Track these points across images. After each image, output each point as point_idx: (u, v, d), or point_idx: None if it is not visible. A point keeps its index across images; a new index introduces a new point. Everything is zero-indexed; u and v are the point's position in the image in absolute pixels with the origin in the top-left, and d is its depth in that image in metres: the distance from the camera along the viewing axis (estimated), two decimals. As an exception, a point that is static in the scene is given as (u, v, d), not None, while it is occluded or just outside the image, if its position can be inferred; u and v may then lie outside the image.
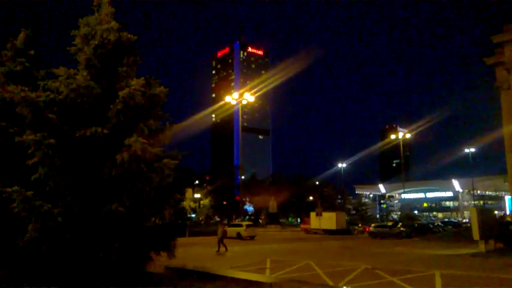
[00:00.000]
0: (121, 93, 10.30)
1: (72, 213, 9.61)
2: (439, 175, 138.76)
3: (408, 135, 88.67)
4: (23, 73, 12.54)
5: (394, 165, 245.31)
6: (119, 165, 9.86)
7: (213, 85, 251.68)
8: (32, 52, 13.30)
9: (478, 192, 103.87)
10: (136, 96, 10.37)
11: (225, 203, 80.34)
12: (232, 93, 62.89)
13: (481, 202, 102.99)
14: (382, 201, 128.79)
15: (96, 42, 11.07)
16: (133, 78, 10.79)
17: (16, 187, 8.85)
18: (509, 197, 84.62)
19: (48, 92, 10.46)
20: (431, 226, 50.92)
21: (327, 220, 50.10)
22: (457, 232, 41.27)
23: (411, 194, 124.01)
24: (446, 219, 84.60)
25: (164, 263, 12.74)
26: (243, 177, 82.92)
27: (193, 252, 23.84)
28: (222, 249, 23.90)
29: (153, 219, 12.70)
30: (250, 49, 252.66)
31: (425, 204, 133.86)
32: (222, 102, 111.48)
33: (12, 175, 10.15)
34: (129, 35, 11.54)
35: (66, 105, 10.48)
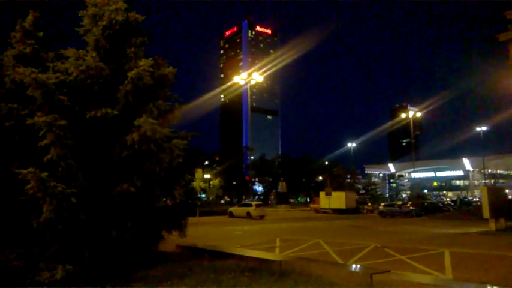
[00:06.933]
0: (130, 74, 10.31)
1: (85, 194, 9.72)
2: (450, 154, 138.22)
3: (419, 114, 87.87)
4: (33, 55, 12.51)
5: (404, 144, 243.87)
6: (129, 146, 9.94)
7: (221, 65, 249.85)
8: (41, 34, 13.25)
9: (489, 171, 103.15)
10: (145, 77, 10.38)
11: (234, 183, 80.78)
12: (240, 73, 62.52)
13: (492, 181, 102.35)
14: (391, 181, 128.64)
15: (104, 23, 11.05)
16: (141, 59, 10.78)
17: (31, 168, 8.87)
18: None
19: (58, 74, 10.50)
20: (441, 205, 50.91)
21: (337, 199, 50.31)
22: (467, 211, 41.20)
23: (421, 173, 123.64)
24: (456, 198, 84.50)
25: (176, 242, 12.97)
26: (252, 157, 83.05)
27: (203, 231, 24.17)
28: None
29: (164, 199, 12.86)
30: (258, 28, 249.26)
31: (435, 183, 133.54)
32: (230, 83, 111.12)
33: (25, 157, 10.25)
34: (136, 16, 11.51)
35: (76, 86, 10.53)
